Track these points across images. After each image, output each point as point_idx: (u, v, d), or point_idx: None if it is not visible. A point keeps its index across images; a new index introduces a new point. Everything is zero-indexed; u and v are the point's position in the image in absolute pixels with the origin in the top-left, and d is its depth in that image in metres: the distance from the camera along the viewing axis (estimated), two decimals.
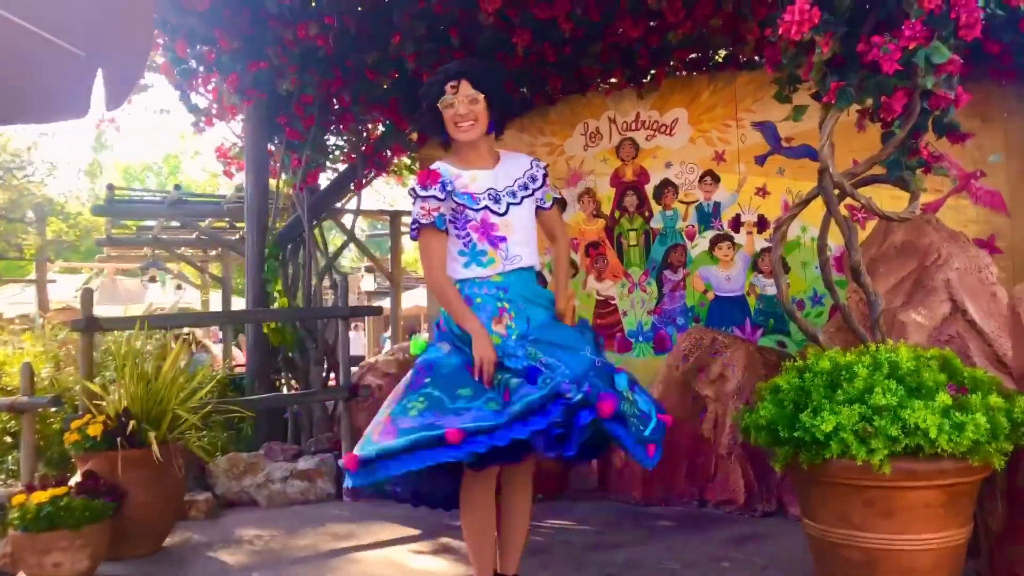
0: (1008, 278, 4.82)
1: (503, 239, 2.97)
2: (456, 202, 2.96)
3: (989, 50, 4.58)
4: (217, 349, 14.20)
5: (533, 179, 3.11)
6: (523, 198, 3.05)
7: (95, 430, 4.09)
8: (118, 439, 4.09)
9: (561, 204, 6.01)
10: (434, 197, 2.93)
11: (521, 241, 3.01)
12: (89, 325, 4.69)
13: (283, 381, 6.53)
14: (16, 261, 18.46)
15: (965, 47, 3.08)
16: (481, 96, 2.96)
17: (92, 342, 4.77)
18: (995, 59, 4.72)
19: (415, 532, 4.49)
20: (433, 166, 3.02)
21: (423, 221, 2.96)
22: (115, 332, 5.41)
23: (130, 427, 4.14)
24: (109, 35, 2.88)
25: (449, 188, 2.95)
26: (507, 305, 2.94)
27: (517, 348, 2.83)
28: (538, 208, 3.14)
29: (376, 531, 4.57)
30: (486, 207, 2.96)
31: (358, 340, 16.74)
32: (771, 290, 5.51)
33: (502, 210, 2.98)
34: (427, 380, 2.81)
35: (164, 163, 34.02)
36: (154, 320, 4.98)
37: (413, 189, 2.99)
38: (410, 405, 2.73)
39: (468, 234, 2.97)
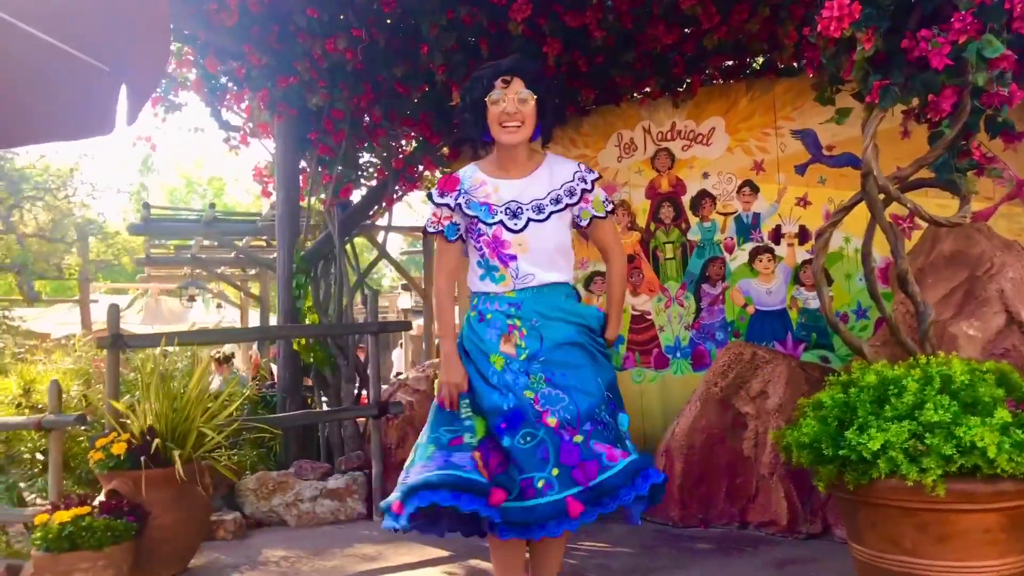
0: None
1: (513, 258, 2.78)
2: (468, 214, 2.81)
3: None
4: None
5: (571, 192, 2.84)
6: (551, 214, 2.80)
7: (119, 449, 4.03)
8: (142, 458, 4.02)
9: None
10: (447, 206, 2.83)
11: (537, 261, 2.79)
12: (115, 342, 4.66)
13: (315, 399, 6.46)
14: (65, 282, 18.78)
15: (1018, 45, 2.91)
16: (533, 97, 2.76)
17: (118, 359, 4.73)
18: None
19: (446, 554, 4.36)
20: (460, 171, 2.90)
21: (430, 229, 2.89)
22: (146, 350, 5.38)
23: (154, 446, 4.07)
24: (130, 48, 2.84)
25: (463, 199, 2.81)
26: (517, 323, 2.75)
27: (519, 375, 2.70)
28: (577, 225, 2.92)
29: (406, 553, 4.45)
30: (500, 222, 2.78)
31: (400, 358, 16.72)
32: (813, 303, 5.31)
33: (519, 226, 2.78)
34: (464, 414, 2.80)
35: (209, 185, 34.53)
36: (180, 337, 4.92)
37: (430, 193, 2.88)
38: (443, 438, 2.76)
39: (481, 248, 2.81)
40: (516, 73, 2.75)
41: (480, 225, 2.79)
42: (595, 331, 2.88)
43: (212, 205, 9.35)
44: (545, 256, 2.80)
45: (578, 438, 2.62)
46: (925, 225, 3.59)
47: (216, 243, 10.92)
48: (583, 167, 2.91)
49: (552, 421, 2.63)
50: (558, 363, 2.73)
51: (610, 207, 2.93)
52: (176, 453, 4.04)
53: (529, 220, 2.78)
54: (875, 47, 2.87)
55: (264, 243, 10.86)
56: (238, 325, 15.32)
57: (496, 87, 2.75)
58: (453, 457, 2.66)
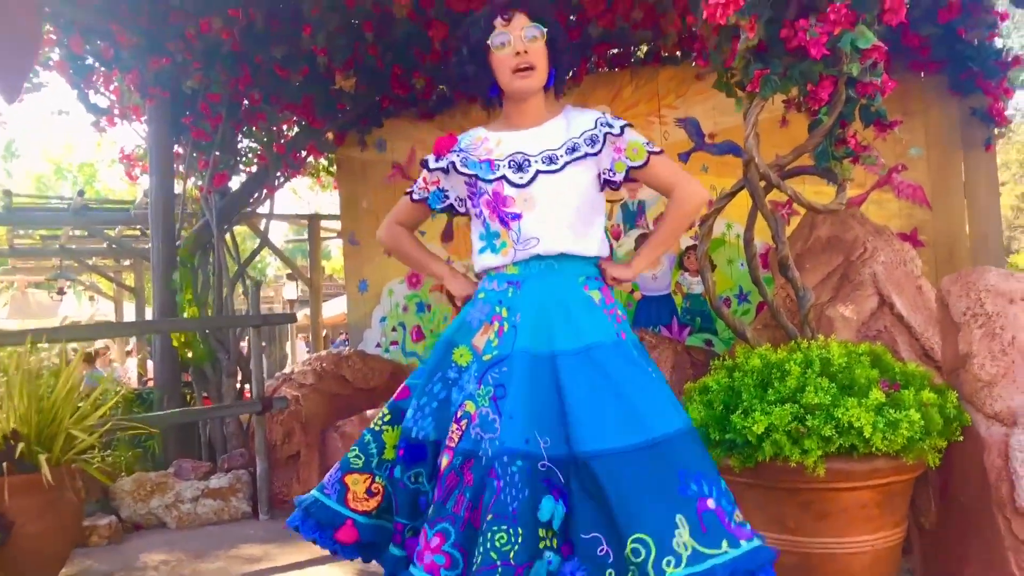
0: (931, 271, 4.83)
1: (517, 216, 2.21)
2: (464, 173, 2.29)
3: (909, 43, 4.58)
4: (132, 363, 13.68)
5: (592, 141, 2.25)
6: (566, 164, 2.22)
7: None
8: (4, 464, 3.75)
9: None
10: (440, 169, 2.34)
11: (544, 219, 2.19)
12: None
13: (194, 395, 6.20)
14: None
15: (887, 39, 3.01)
16: (542, 33, 2.25)
17: None
18: (915, 52, 4.72)
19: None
20: (467, 133, 2.40)
21: (414, 196, 2.42)
22: (7, 348, 5.03)
23: (19, 450, 3.80)
24: None
25: (458, 157, 2.31)
26: (505, 312, 2.18)
27: (470, 381, 2.16)
28: (609, 182, 2.32)
29: (293, 552, 4.31)
30: (503, 176, 2.23)
31: (304, 350, 16.36)
32: (697, 288, 5.43)
33: (525, 179, 2.21)
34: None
35: (80, 171, 32.78)
36: (48, 334, 4.62)
37: (425, 160, 2.40)
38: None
39: (481, 212, 2.27)
40: (517, 6, 2.27)
41: (479, 184, 2.26)
42: (636, 348, 2.19)
43: (81, 192, 8.83)
44: (558, 216, 2.21)
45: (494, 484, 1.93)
46: (803, 211, 3.69)
47: (87, 232, 10.36)
48: (607, 114, 2.34)
49: (444, 461, 2.08)
50: (520, 378, 2.06)
51: (654, 148, 2.32)
52: (43, 457, 3.78)
53: (538, 172, 2.22)
54: (758, 35, 2.92)
55: (139, 232, 10.37)
56: (112, 318, 14.62)
57: (496, 27, 2.25)
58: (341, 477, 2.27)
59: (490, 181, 2.24)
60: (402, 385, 2.31)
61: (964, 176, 5.04)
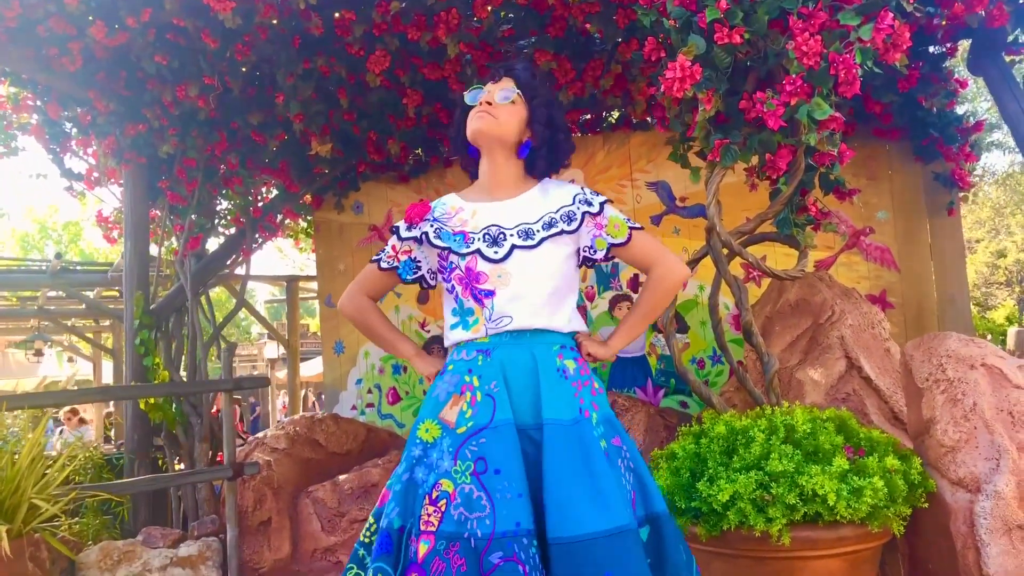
0: (900, 333, 4.87)
1: (490, 294, 2.14)
2: (437, 245, 2.22)
3: (871, 110, 4.68)
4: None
5: (569, 218, 2.19)
6: (542, 240, 2.15)
7: None
8: None
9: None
10: (413, 239, 2.29)
11: (519, 299, 2.13)
12: None
13: (166, 459, 6.12)
14: None
15: (848, 106, 3.08)
16: (519, 96, 2.25)
17: None
18: (878, 118, 4.82)
19: None
20: (436, 200, 2.36)
21: (383, 265, 2.34)
22: None
23: None
24: None
25: (432, 228, 2.25)
26: (476, 381, 2.09)
27: (443, 457, 2.02)
28: (589, 260, 2.28)
29: None
30: (477, 251, 2.15)
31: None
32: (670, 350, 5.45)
33: (500, 254, 2.13)
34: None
35: (64, 230, 32.76)
36: (13, 400, 4.56)
37: (395, 227, 2.34)
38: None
39: (454, 288, 2.20)
40: (507, 73, 2.30)
41: (452, 257, 2.19)
42: (603, 424, 2.14)
43: (58, 255, 8.81)
44: (532, 294, 2.14)
45: None
46: None
47: (64, 294, 10.31)
48: (587, 190, 2.28)
49: (424, 548, 1.93)
50: (513, 452, 1.98)
51: (635, 225, 2.28)
52: (3, 529, 3.71)
53: (513, 247, 2.15)
54: (715, 107, 2.98)
55: (117, 293, 10.33)
56: (91, 378, 14.47)
57: (484, 86, 2.30)
58: None
59: (463, 256, 2.16)
60: (383, 491, 2.18)
61: (930, 239, 5.12)
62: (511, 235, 2.16)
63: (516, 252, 2.14)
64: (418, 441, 2.10)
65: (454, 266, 2.18)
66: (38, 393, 7.79)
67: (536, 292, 2.14)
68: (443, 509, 1.93)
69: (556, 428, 2.00)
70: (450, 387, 2.13)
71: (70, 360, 16.58)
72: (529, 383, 2.07)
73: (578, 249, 2.26)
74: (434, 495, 1.96)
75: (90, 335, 13.17)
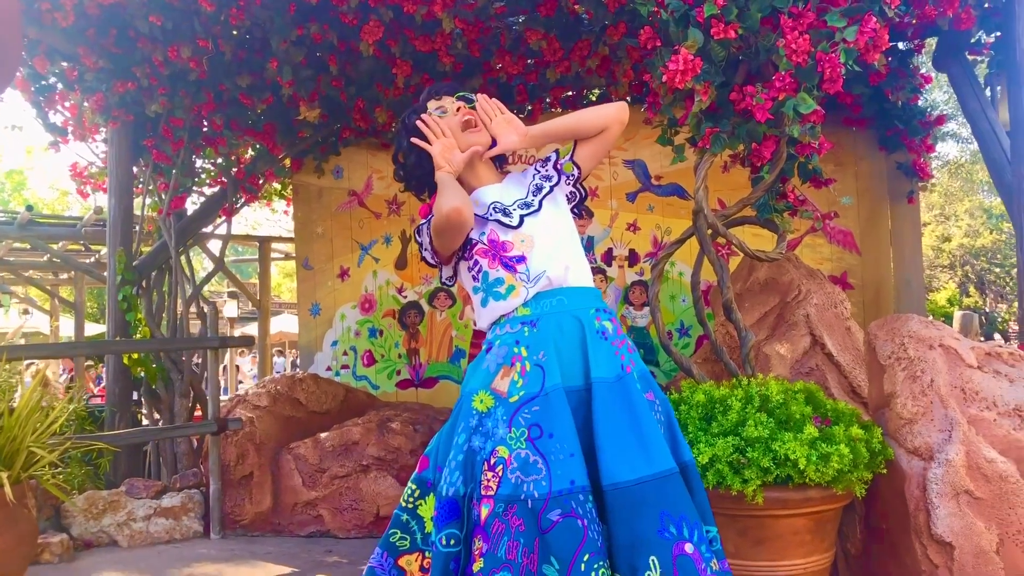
0: (859, 313, 5.17)
1: (521, 259, 2.22)
2: None
3: (842, 100, 4.93)
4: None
5: (547, 178, 2.35)
6: (541, 202, 2.30)
7: None
8: None
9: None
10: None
11: (548, 254, 2.23)
12: None
13: (144, 413, 6.22)
14: None
15: (821, 96, 3.30)
16: (468, 104, 2.39)
17: None
18: (847, 108, 5.07)
19: (288, 571, 4.36)
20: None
21: (448, 283, 2.44)
22: None
23: None
24: None
25: None
26: (524, 351, 2.14)
27: (498, 425, 2.09)
28: (573, 195, 2.42)
29: (247, 571, 4.41)
30: (496, 221, 2.26)
31: (247, 367, 16.21)
32: (641, 321, 5.69)
33: (514, 222, 2.25)
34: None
35: (7, 179, 31.95)
36: (13, 351, 4.65)
37: (419, 227, 2.40)
38: None
39: (476, 262, 2.27)
40: (444, 92, 2.43)
41: (470, 233, 2.27)
42: (640, 380, 2.22)
43: (29, 207, 8.73)
44: (558, 250, 2.25)
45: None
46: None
47: (29, 246, 10.22)
48: (536, 164, 2.43)
49: (486, 511, 2.01)
50: (564, 415, 2.06)
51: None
52: (4, 475, 3.83)
53: (522, 217, 2.27)
54: (710, 99, 3.18)
55: (82, 247, 10.27)
56: (46, 332, 14.33)
57: (430, 109, 2.39)
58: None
59: (482, 230, 2.26)
60: (421, 456, 2.30)
61: (891, 225, 5.42)
62: (514, 208, 2.29)
63: (526, 220, 2.26)
64: (473, 412, 2.15)
65: (474, 241, 2.27)
66: (34, 345, 7.80)
67: (561, 247, 2.26)
68: (500, 474, 2.02)
69: (603, 386, 2.12)
70: (499, 359, 2.18)
71: (24, 312, 16.36)
72: (577, 347, 2.16)
73: (567, 196, 2.40)
74: (492, 461, 2.05)
75: (48, 288, 13.05)
